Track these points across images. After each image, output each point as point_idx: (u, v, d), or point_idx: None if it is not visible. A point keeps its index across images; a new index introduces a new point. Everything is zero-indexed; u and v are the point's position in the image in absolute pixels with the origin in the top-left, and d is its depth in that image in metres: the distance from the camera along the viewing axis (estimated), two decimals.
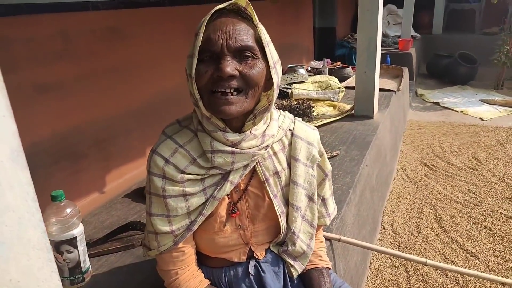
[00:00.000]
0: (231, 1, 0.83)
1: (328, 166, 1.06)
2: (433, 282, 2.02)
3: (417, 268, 2.12)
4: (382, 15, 2.78)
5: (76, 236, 1.24)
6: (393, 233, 2.46)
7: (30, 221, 0.46)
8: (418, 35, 7.22)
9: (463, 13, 8.27)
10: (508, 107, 4.95)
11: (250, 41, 0.84)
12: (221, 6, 0.84)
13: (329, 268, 1.10)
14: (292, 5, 4.34)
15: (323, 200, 1.08)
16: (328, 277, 1.06)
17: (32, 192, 0.46)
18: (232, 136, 0.87)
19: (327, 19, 5.77)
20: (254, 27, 0.85)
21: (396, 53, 5.75)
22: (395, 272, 2.11)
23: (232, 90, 0.82)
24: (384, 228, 2.52)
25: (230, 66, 0.81)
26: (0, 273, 0.44)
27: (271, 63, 0.86)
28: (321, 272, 1.06)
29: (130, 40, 2.01)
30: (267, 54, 0.86)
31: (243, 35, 0.83)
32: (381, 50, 5.02)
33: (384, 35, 6.66)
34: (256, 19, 0.85)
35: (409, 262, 2.17)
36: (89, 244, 1.46)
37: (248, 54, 0.84)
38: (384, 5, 6.90)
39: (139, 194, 1.95)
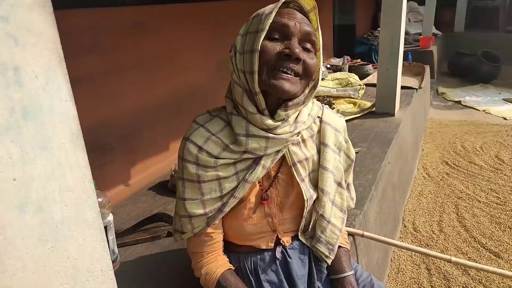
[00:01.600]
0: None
1: (353, 152, 1.10)
2: (455, 280, 2.00)
3: (438, 267, 2.10)
4: None
5: (106, 226, 1.28)
6: (414, 231, 2.44)
7: (87, 202, 0.49)
8: (440, 32, 7.10)
9: (487, 11, 8.09)
10: None
11: (315, 37, 0.89)
12: None
13: (348, 250, 1.12)
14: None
15: (348, 185, 1.11)
16: (348, 256, 1.09)
17: (89, 174, 0.49)
18: (270, 121, 0.88)
19: (347, 16, 5.74)
20: (314, 30, 0.90)
21: (417, 50, 5.69)
22: (417, 270, 2.10)
23: (292, 73, 0.86)
24: (405, 226, 2.50)
25: (300, 49, 0.85)
26: (60, 250, 0.47)
27: (320, 66, 0.92)
28: (342, 250, 1.08)
29: (156, 35, 2.05)
30: (318, 58, 0.91)
31: (310, 28, 0.88)
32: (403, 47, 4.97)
33: (405, 33, 6.58)
34: (318, 24, 0.90)
35: (430, 260, 2.15)
36: (117, 235, 1.49)
37: (311, 47, 0.88)
38: None
39: (163, 188, 1.99)
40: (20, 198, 0.42)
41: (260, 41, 0.83)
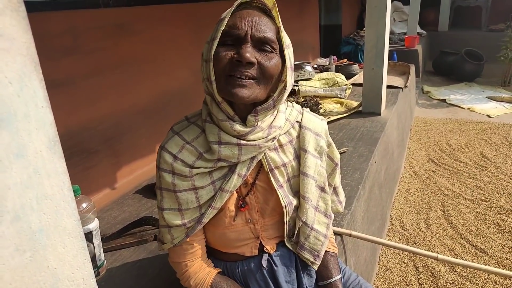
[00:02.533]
0: None
1: (337, 155, 1.07)
2: (442, 277, 2.02)
3: (426, 264, 2.12)
4: None
5: (92, 231, 1.26)
6: (402, 229, 2.47)
7: (66, 209, 0.48)
8: (424, 32, 7.19)
9: (469, 10, 8.22)
10: None
11: (272, 35, 0.85)
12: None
13: (336, 254, 1.12)
14: (298, 2, 4.34)
15: (334, 189, 1.10)
16: (336, 260, 1.09)
17: (68, 182, 0.48)
18: (239, 127, 0.87)
19: (333, 16, 5.77)
20: (277, 27, 0.86)
21: (402, 50, 5.74)
22: (404, 267, 2.12)
23: (247, 78, 0.83)
24: (392, 224, 2.52)
25: (250, 53, 0.82)
26: (39, 259, 0.45)
27: (288, 65, 0.88)
28: (329, 255, 1.08)
29: (138, 37, 2.03)
30: (286, 56, 0.87)
31: (267, 28, 0.84)
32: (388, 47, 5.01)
33: (390, 32, 6.64)
34: (279, 21, 0.86)
35: (418, 258, 2.17)
36: (103, 239, 1.47)
37: (268, 48, 0.85)
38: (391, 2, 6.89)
39: (149, 190, 1.97)
40: None
41: (213, 50, 0.82)
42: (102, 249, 1.34)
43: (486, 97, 5.27)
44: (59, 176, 0.47)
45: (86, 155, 1.78)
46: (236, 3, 0.83)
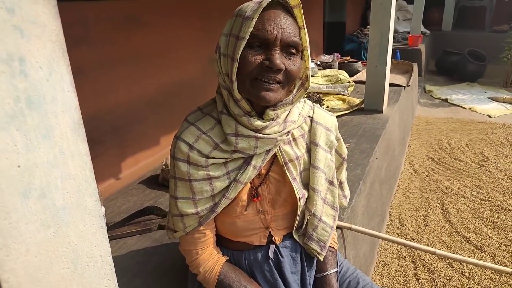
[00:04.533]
0: None
1: (345, 151, 1.10)
2: (439, 273, 2.06)
3: (423, 260, 2.16)
4: None
5: None
6: (401, 225, 2.50)
7: (87, 189, 0.50)
8: (428, 31, 7.19)
9: (474, 10, 8.22)
10: None
11: (297, 38, 0.86)
12: None
13: (335, 249, 1.15)
14: None
15: (340, 183, 1.13)
16: (334, 255, 1.12)
17: (89, 163, 0.50)
18: (257, 122, 0.89)
19: (337, 13, 5.78)
20: (299, 27, 0.88)
21: (406, 48, 5.75)
22: (402, 263, 2.15)
23: (274, 83, 0.85)
24: (391, 220, 2.56)
25: (280, 60, 0.83)
26: (62, 235, 0.48)
27: (308, 65, 0.91)
28: (328, 251, 1.10)
29: (147, 29, 2.05)
30: (305, 57, 0.89)
31: (293, 31, 0.85)
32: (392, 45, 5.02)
33: (393, 31, 6.65)
34: (303, 21, 0.87)
35: (415, 253, 2.21)
36: (108, 228, 1.51)
37: (294, 51, 0.86)
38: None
39: (153, 181, 2.00)
40: (24, 185, 0.43)
41: (240, 51, 0.82)
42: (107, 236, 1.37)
43: (488, 97, 5.29)
44: (82, 158, 0.49)
45: (92, 144, 1.81)
46: (264, 4, 0.82)
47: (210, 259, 1.02)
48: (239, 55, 0.82)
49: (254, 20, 0.81)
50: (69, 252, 0.49)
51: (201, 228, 0.99)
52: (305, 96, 2.90)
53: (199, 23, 2.45)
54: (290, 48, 0.86)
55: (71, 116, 0.47)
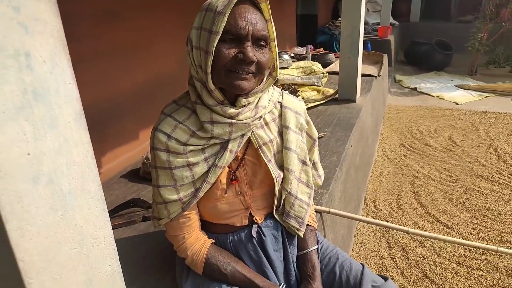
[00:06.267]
0: None
1: (315, 133, 1.18)
2: (412, 252, 2.18)
3: (397, 240, 2.27)
4: None
5: None
6: (375, 209, 2.61)
7: (90, 175, 0.54)
8: (397, 22, 7.39)
9: (440, 2, 8.49)
10: (481, 92, 5.18)
11: (266, 32, 0.92)
12: None
13: (315, 228, 1.22)
14: None
15: (314, 164, 1.20)
16: (314, 234, 1.19)
17: (91, 150, 0.54)
18: (231, 110, 0.95)
19: (309, 6, 5.85)
20: (266, 21, 0.94)
21: (376, 40, 5.90)
22: (378, 244, 2.26)
23: (247, 73, 0.91)
24: (366, 204, 2.66)
25: (253, 53, 0.90)
26: (68, 218, 0.52)
27: (275, 56, 0.97)
28: (308, 229, 1.17)
29: (127, 23, 2.05)
30: (273, 48, 0.96)
31: (262, 25, 0.91)
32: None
33: (364, 23, 6.79)
34: (269, 14, 0.93)
35: (390, 234, 2.32)
36: None
37: (263, 44, 0.93)
38: None
39: (135, 175, 2.01)
40: (33, 171, 0.47)
41: (215, 44, 0.87)
42: None
43: (455, 85, 5.51)
44: (84, 146, 0.53)
45: None
46: (232, 3, 0.87)
47: (196, 242, 1.06)
48: (213, 48, 0.87)
49: (227, 15, 0.86)
50: (75, 233, 0.53)
51: (185, 213, 1.03)
52: (281, 87, 2.96)
53: (178, 16, 2.45)
54: (260, 41, 0.92)
55: (73, 107, 0.51)
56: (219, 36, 0.87)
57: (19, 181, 0.45)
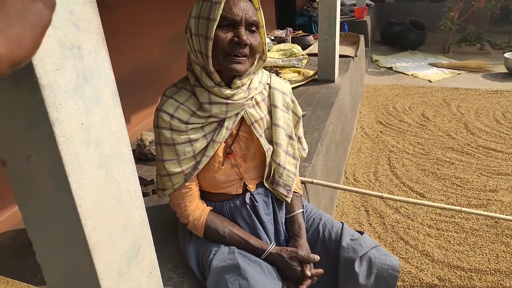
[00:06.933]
0: None
1: (300, 110, 1.34)
2: (388, 218, 2.39)
3: (375, 208, 2.48)
4: None
5: None
6: (355, 181, 2.81)
7: (123, 142, 0.68)
8: (373, 3, 7.55)
9: None
10: (453, 69, 5.43)
11: (256, 18, 1.07)
12: None
13: (300, 195, 1.38)
14: None
15: (299, 138, 1.37)
16: (299, 200, 1.35)
17: (124, 123, 0.68)
18: (227, 91, 1.09)
19: None
20: (256, 9, 1.08)
21: (353, 21, 6.06)
22: (357, 212, 2.47)
23: (242, 56, 1.05)
24: (346, 178, 2.86)
25: (246, 36, 1.04)
26: (110, 175, 0.66)
27: (264, 41, 1.11)
28: (294, 195, 1.33)
29: (109, 12, 2.13)
30: (262, 34, 1.10)
31: (253, 12, 1.06)
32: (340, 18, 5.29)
33: (341, 4, 6.92)
34: (259, 4, 1.07)
35: (368, 203, 2.53)
36: None
37: (254, 29, 1.07)
38: None
39: None
40: (86, 137, 0.61)
41: (213, 30, 1.01)
42: None
43: (428, 63, 5.74)
44: (119, 119, 0.67)
45: None
46: None
47: (197, 209, 1.21)
48: (213, 34, 1.01)
49: (223, 4, 1.01)
50: (114, 188, 0.67)
51: (187, 184, 1.17)
52: (263, 68, 3.11)
53: (159, 4, 2.54)
54: (252, 26, 1.06)
55: (111, 88, 0.65)
56: (216, 23, 1.01)
57: (77, 144, 0.59)
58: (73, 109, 0.58)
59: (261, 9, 1.09)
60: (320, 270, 1.23)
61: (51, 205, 0.61)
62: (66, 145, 0.57)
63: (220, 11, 1.01)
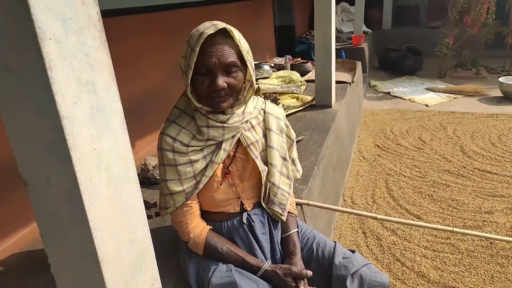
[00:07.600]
0: (218, 28, 1.10)
1: (293, 134, 1.44)
2: (385, 239, 2.44)
3: (372, 230, 2.54)
4: (336, 13, 3.17)
5: None
6: (352, 204, 2.87)
7: (129, 165, 0.78)
8: (370, 30, 7.78)
9: (409, 9, 8.95)
10: (450, 93, 5.55)
11: (234, 58, 1.13)
12: (211, 32, 1.09)
13: (295, 215, 1.45)
14: (253, 5, 4.68)
15: (293, 160, 1.47)
16: (294, 220, 1.43)
17: (130, 147, 0.77)
18: (222, 117, 1.21)
19: (286, 17, 6.17)
20: (236, 45, 1.15)
21: (350, 48, 6.25)
22: (355, 234, 2.52)
23: (222, 94, 1.15)
24: (345, 200, 2.93)
25: (221, 81, 1.13)
26: (118, 194, 0.75)
27: (250, 68, 1.19)
28: (289, 215, 1.41)
29: (115, 43, 2.27)
30: (247, 62, 1.17)
31: (230, 53, 1.12)
32: (337, 45, 5.49)
33: (338, 31, 7.16)
34: (237, 39, 1.12)
35: (365, 225, 2.58)
36: None
37: (233, 69, 1.14)
38: (338, 3, 7.42)
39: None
40: (97, 161, 0.70)
41: (189, 77, 1.13)
42: None
43: (425, 88, 5.87)
44: (126, 144, 0.76)
45: None
46: (204, 36, 1.06)
47: (197, 227, 1.29)
48: (189, 80, 1.14)
49: (197, 52, 1.10)
50: (122, 205, 0.76)
51: (188, 202, 1.26)
52: (262, 96, 3.25)
53: (162, 35, 2.69)
54: (230, 67, 1.15)
55: (119, 118, 0.74)
56: (191, 70, 1.11)
57: (90, 167, 0.68)
58: (87, 136, 0.67)
59: (241, 41, 1.14)
60: None
61: (66, 220, 0.70)
62: (81, 167, 0.66)
63: (195, 59, 1.09)
